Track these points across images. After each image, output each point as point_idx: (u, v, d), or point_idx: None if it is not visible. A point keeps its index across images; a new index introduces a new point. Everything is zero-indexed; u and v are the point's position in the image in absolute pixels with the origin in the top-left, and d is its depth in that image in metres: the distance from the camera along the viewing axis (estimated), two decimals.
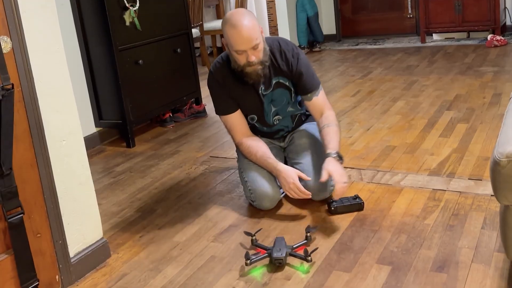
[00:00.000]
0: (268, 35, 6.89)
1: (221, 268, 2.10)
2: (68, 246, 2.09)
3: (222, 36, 6.74)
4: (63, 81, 2.05)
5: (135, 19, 3.62)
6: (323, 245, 2.17)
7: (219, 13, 7.01)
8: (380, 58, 5.73)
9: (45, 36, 1.97)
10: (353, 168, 2.88)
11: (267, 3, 6.97)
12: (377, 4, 6.93)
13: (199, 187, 2.89)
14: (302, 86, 2.51)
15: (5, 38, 1.80)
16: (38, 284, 1.94)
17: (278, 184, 2.48)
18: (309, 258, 2.04)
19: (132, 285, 2.06)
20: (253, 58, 2.32)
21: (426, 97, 4.05)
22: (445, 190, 2.52)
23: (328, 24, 7.10)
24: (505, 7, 6.15)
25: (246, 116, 2.59)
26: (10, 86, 1.77)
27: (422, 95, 4.12)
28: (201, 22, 5.90)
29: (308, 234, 2.18)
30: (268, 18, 7.03)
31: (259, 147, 2.50)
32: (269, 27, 7.05)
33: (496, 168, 1.62)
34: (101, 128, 3.83)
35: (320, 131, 2.52)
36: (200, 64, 6.00)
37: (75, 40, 3.62)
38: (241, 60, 2.35)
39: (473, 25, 5.97)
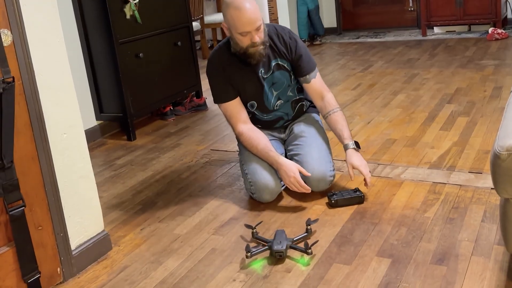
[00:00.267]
0: None
1: (222, 261, 2.10)
2: (70, 239, 2.10)
3: (222, 29, 6.77)
4: (64, 74, 2.06)
5: (136, 12, 3.62)
6: (323, 238, 2.17)
7: (220, 6, 6.99)
8: (381, 51, 5.72)
9: (45, 29, 1.97)
10: None
11: None
12: None
13: (200, 180, 2.90)
14: (300, 68, 2.55)
15: (6, 31, 1.80)
16: (39, 277, 1.95)
17: (279, 176, 2.48)
18: (310, 250, 2.04)
19: (133, 277, 2.07)
20: (257, 39, 2.37)
21: (427, 90, 4.04)
22: (446, 183, 2.52)
23: (328, 17, 7.08)
24: (506, 0, 6.13)
25: (245, 104, 2.59)
26: (10, 79, 1.77)
27: (422, 88, 4.11)
28: (201, 15, 5.90)
29: (309, 227, 2.19)
30: (269, 11, 7.01)
31: (260, 139, 2.50)
32: (270, 20, 7.03)
33: (497, 161, 1.62)
34: (101, 121, 3.83)
35: (326, 118, 2.55)
36: (201, 57, 6.00)
37: (75, 33, 3.62)
38: (245, 42, 2.38)
39: (474, 18, 5.96)
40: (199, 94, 4.34)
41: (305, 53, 2.55)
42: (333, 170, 2.52)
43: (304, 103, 2.73)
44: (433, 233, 2.12)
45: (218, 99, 2.58)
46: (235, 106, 2.55)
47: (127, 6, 3.57)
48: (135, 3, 3.60)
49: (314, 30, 6.56)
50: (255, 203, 2.53)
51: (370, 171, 2.46)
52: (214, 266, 2.07)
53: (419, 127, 3.28)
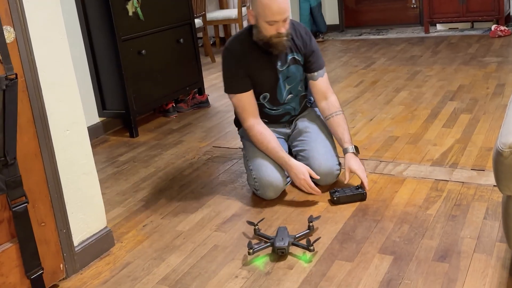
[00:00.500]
0: None
1: (224, 257, 2.11)
2: (72, 235, 2.10)
3: (224, 26, 6.77)
4: (67, 71, 2.06)
5: (138, 9, 3.62)
6: (325, 235, 2.18)
7: (222, 4, 6.98)
8: (384, 48, 5.71)
9: (48, 26, 1.97)
10: None
11: None
12: None
13: (202, 177, 2.90)
14: (310, 64, 2.59)
15: (9, 28, 1.81)
16: (42, 273, 1.95)
17: (286, 174, 2.49)
18: (312, 247, 2.05)
19: (136, 273, 2.07)
20: (283, 29, 2.39)
21: (430, 87, 4.04)
22: (448, 181, 2.52)
23: (331, 14, 7.07)
24: None
25: (258, 95, 2.58)
26: (13, 76, 1.77)
27: (425, 85, 4.11)
28: (204, 12, 5.89)
29: (311, 223, 2.19)
30: None
31: (271, 138, 2.50)
32: None
33: (499, 158, 1.62)
34: (104, 118, 3.84)
35: (327, 119, 2.58)
36: (203, 55, 5.99)
37: (78, 30, 3.62)
38: (270, 31, 2.39)
39: (477, 15, 5.94)
40: (201, 91, 4.34)
41: (317, 50, 2.63)
42: (339, 163, 2.55)
43: (307, 99, 2.75)
44: (435, 230, 2.12)
45: (231, 89, 2.54)
46: (249, 99, 2.53)
47: (130, 3, 3.57)
48: (137, 0, 3.60)
49: (316, 27, 6.55)
50: (258, 200, 2.54)
51: (372, 168, 2.47)
52: (216, 263, 2.08)
53: (422, 124, 3.28)
